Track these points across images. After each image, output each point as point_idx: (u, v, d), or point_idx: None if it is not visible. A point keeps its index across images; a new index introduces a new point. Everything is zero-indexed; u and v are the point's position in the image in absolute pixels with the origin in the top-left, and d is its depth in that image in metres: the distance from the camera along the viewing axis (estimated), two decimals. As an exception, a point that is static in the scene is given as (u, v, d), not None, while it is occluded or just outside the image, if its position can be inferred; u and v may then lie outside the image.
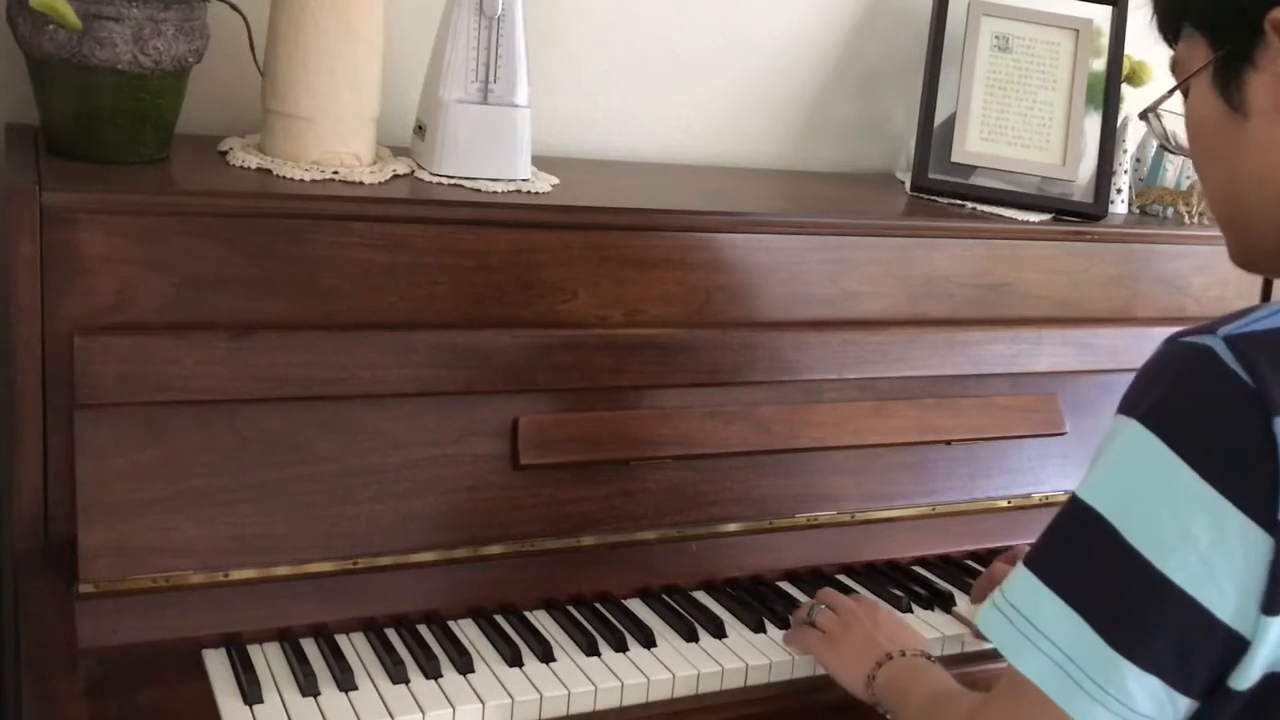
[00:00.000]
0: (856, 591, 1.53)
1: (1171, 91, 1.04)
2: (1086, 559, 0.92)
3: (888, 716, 1.26)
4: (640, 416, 1.50)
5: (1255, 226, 0.99)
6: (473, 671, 1.30)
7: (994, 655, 1.47)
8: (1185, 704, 0.90)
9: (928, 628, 1.49)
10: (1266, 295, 1.97)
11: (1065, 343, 1.75)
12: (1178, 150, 1.09)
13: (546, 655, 1.34)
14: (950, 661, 1.39)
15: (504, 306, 1.43)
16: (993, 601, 0.97)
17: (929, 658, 1.30)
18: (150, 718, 1.19)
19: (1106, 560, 0.90)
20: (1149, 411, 0.90)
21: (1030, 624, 0.93)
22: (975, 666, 1.44)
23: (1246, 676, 0.88)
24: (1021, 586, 0.95)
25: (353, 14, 1.43)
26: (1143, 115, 1.11)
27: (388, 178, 1.47)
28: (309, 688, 1.23)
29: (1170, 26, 1.03)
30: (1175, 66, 1.03)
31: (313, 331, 1.33)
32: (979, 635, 1.50)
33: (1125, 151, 1.95)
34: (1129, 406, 0.92)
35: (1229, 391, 0.86)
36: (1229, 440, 0.86)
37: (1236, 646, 0.88)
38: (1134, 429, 0.90)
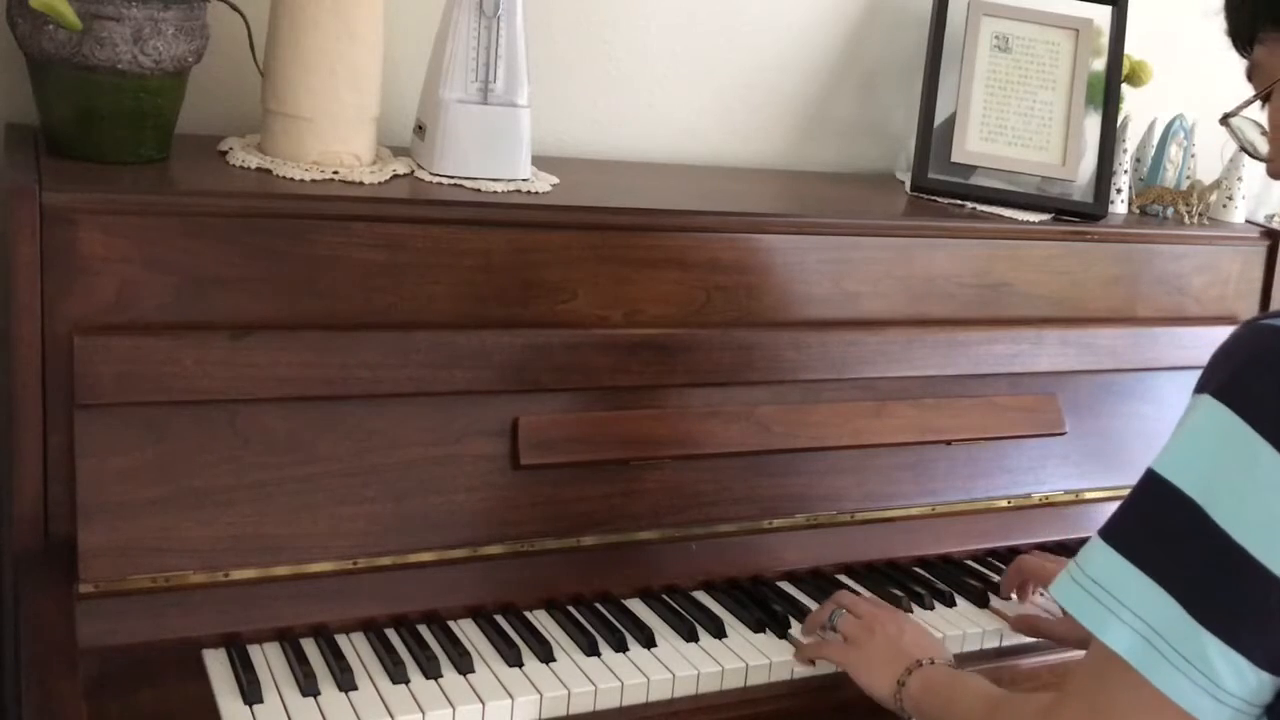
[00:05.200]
0: (859, 593, 1.53)
1: (1256, 96, 1.04)
2: (1169, 534, 0.92)
3: None
4: (640, 416, 1.50)
5: None
6: (473, 671, 1.30)
7: (1004, 655, 1.49)
8: (1270, 681, 0.90)
9: (928, 628, 1.48)
10: (1266, 295, 1.97)
11: (1065, 343, 1.75)
12: (1252, 153, 1.10)
13: (546, 655, 1.34)
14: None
15: (504, 306, 1.43)
16: (1071, 576, 0.97)
17: (954, 668, 1.30)
18: (150, 718, 1.19)
19: (1190, 537, 0.91)
20: (1225, 388, 0.91)
21: (1114, 598, 0.94)
22: (978, 666, 1.44)
23: None
24: (1103, 561, 0.95)
25: (353, 14, 1.43)
26: (1223, 120, 1.11)
27: (388, 178, 1.47)
28: (309, 688, 1.23)
29: (1246, 33, 1.03)
30: (1253, 72, 1.04)
31: (313, 331, 1.33)
32: (1017, 629, 1.52)
33: (1125, 151, 1.95)
34: (1204, 384, 0.94)
35: None
36: None
37: None
38: (1211, 405, 0.91)
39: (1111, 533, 0.97)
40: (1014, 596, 1.58)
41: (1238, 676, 0.89)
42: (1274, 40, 1.00)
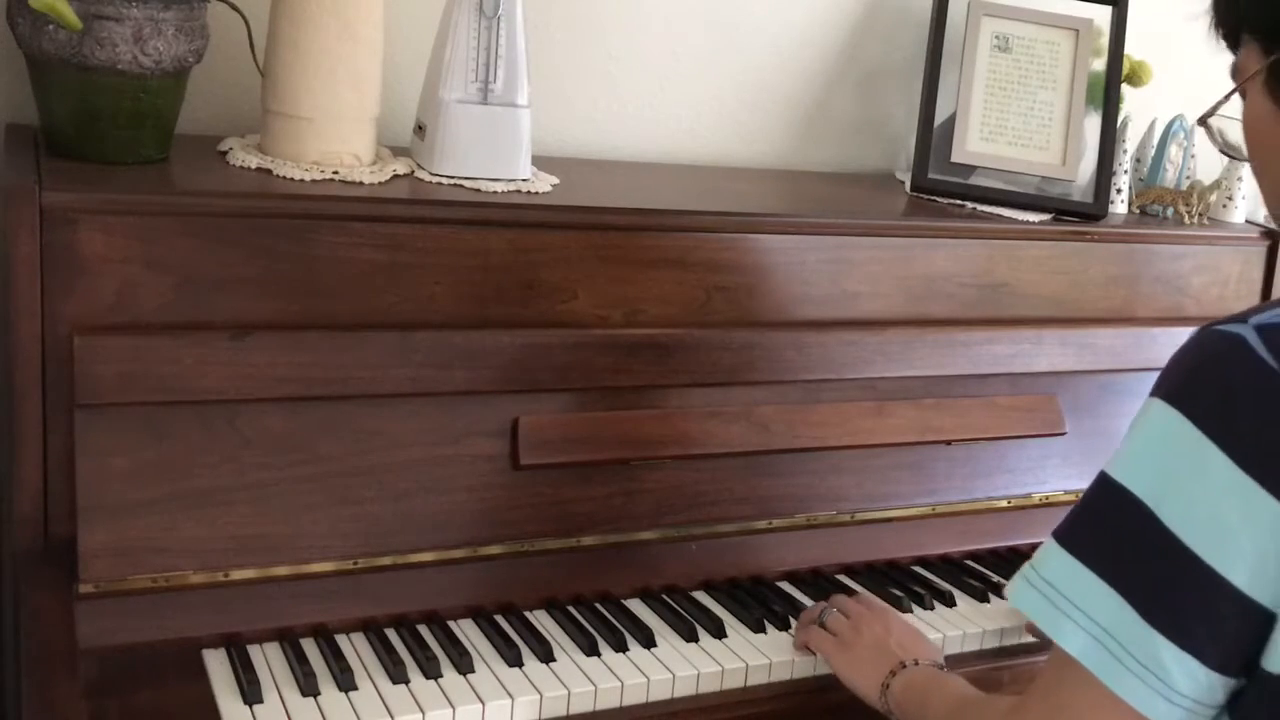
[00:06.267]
0: (858, 593, 1.53)
1: (1227, 97, 1.06)
2: (1121, 538, 0.93)
3: None
4: (640, 416, 1.50)
5: None
6: (473, 671, 1.30)
7: (1004, 654, 1.49)
8: (1220, 682, 0.91)
9: (927, 628, 1.49)
10: (1266, 295, 1.97)
11: (1065, 343, 1.75)
12: (1233, 154, 1.11)
13: (546, 655, 1.34)
14: (953, 662, 1.39)
15: (504, 306, 1.43)
16: (1026, 579, 0.98)
17: (941, 668, 1.30)
18: (150, 718, 1.19)
19: (1141, 539, 0.92)
20: (1177, 393, 0.92)
21: (1068, 600, 0.94)
22: (979, 666, 1.45)
23: (1278, 658, 0.89)
24: (1056, 563, 0.96)
25: (353, 14, 1.43)
26: (1200, 121, 1.12)
27: (388, 178, 1.47)
28: (309, 688, 1.23)
29: (1231, 34, 1.04)
30: (1235, 73, 1.05)
31: (313, 331, 1.33)
32: (1031, 630, 1.51)
33: (1125, 151, 1.95)
34: (1158, 388, 0.94)
35: (1258, 378, 0.88)
36: (1258, 426, 0.88)
37: (1267, 625, 0.89)
38: (1163, 409, 0.92)
39: (1064, 535, 0.97)
40: None
41: (1190, 678, 0.90)
42: (1250, 43, 1.02)
